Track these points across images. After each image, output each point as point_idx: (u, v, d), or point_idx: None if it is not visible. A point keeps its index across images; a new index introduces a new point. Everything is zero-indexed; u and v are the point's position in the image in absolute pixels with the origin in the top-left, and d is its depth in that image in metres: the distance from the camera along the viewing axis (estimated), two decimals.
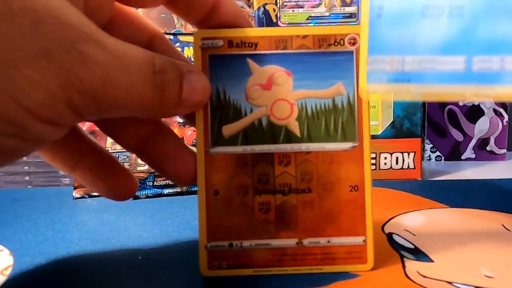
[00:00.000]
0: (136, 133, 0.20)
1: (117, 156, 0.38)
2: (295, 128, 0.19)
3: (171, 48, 0.20)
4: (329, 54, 0.19)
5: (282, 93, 0.19)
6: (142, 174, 0.36)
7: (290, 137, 0.19)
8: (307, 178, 0.19)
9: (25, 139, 0.14)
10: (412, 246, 0.22)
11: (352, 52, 0.19)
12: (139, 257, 0.22)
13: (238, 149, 0.19)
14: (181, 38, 0.42)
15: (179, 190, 0.37)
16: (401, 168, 0.41)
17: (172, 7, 0.19)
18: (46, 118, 0.14)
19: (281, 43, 0.19)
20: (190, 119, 0.20)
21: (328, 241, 0.19)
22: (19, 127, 0.13)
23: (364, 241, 0.19)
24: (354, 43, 0.19)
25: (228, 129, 0.19)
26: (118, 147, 0.35)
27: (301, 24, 0.42)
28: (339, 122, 0.19)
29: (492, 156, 0.51)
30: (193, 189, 0.37)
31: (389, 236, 0.24)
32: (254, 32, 0.19)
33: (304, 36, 0.19)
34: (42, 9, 0.13)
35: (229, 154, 0.19)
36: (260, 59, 0.19)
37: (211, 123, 0.19)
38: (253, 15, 0.44)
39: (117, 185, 0.20)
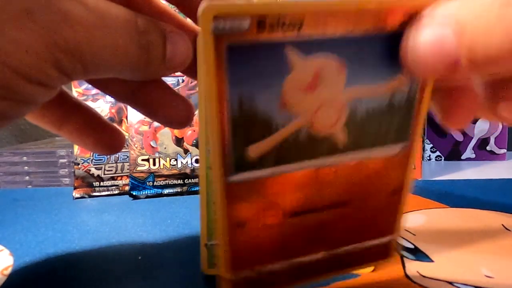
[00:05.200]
0: (126, 83, 0.20)
1: (117, 156, 0.38)
2: (342, 137, 0.14)
3: None
4: (392, 37, 0.13)
5: (331, 94, 0.13)
6: (142, 174, 0.36)
7: (333, 149, 0.14)
8: (346, 190, 0.16)
9: (16, 100, 0.14)
10: (412, 246, 0.22)
11: None
12: (139, 257, 0.22)
13: (267, 172, 0.14)
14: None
15: (179, 190, 0.37)
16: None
17: None
18: (34, 79, 0.14)
19: (342, 21, 0.12)
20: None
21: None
22: (8, 89, 0.13)
23: None
24: None
25: (256, 149, 0.14)
26: None
27: None
28: (393, 122, 0.15)
29: (492, 156, 0.51)
30: (193, 189, 0.37)
31: None
32: (298, 5, 0.12)
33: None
34: None
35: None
36: (306, 47, 0.12)
37: (232, 142, 0.13)
38: None
39: (104, 139, 0.21)
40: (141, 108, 0.21)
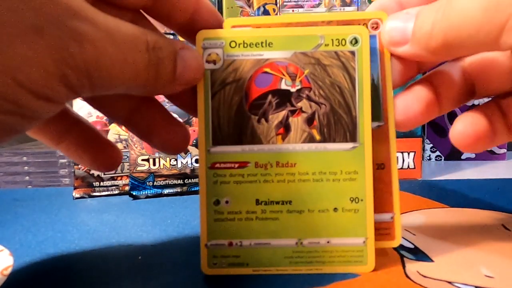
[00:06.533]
0: (124, 105, 0.20)
1: None
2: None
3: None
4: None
5: None
6: (142, 174, 0.36)
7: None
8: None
9: (21, 115, 0.14)
10: (412, 246, 0.22)
11: (375, 36, 0.19)
12: (139, 257, 0.22)
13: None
14: (181, 38, 0.42)
15: (179, 190, 0.37)
16: (401, 168, 0.41)
17: (153, 11, 0.19)
18: (42, 94, 0.14)
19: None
20: (182, 101, 0.21)
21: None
22: (16, 104, 0.13)
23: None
24: (376, 28, 0.19)
25: None
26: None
27: None
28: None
29: (492, 156, 0.51)
30: (193, 189, 0.37)
31: None
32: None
33: (329, 22, 0.19)
34: None
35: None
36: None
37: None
38: (253, 15, 0.44)
39: (101, 156, 0.21)
40: (136, 131, 0.21)
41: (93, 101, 0.20)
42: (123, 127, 0.36)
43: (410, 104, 0.19)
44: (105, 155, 0.21)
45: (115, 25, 0.15)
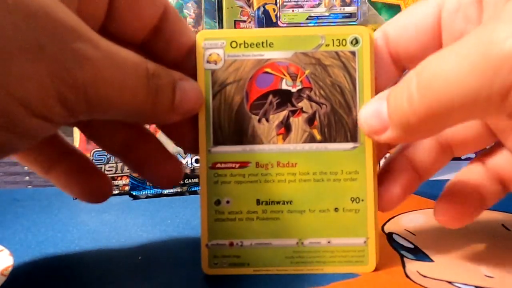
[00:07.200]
0: (118, 136, 0.20)
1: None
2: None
3: (182, 23, 0.20)
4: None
5: None
6: None
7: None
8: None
9: (15, 133, 0.14)
10: (412, 246, 0.22)
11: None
12: (139, 257, 0.22)
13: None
14: None
15: (179, 190, 0.37)
16: None
17: (150, 47, 0.19)
18: (38, 112, 0.14)
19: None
20: (170, 131, 0.21)
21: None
22: (11, 119, 0.13)
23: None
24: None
25: None
26: None
27: (301, 24, 0.42)
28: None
29: None
30: (193, 189, 0.37)
31: (389, 235, 0.24)
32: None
33: None
34: (36, 6, 0.13)
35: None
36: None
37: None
38: (253, 15, 0.44)
39: (91, 187, 0.21)
40: (129, 164, 0.21)
41: (88, 130, 0.20)
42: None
43: (394, 193, 0.19)
44: (96, 186, 0.21)
45: (116, 50, 0.15)
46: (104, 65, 0.14)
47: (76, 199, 0.21)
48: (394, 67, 0.19)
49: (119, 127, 0.20)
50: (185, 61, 0.19)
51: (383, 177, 0.19)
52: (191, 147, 0.20)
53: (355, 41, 0.19)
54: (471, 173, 0.20)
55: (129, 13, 0.18)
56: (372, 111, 0.17)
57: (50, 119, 0.14)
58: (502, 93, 0.13)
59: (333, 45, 0.19)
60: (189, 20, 0.43)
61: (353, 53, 0.19)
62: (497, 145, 0.19)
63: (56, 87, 0.13)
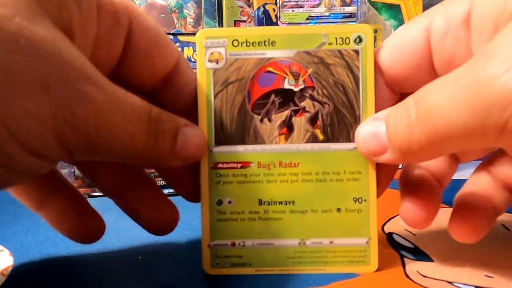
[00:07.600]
0: (114, 177, 0.20)
1: None
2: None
3: (193, 73, 0.20)
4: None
5: None
6: None
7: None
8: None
9: (9, 168, 0.14)
10: (412, 246, 0.22)
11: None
12: (139, 257, 0.22)
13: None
14: (181, 38, 0.42)
15: None
16: (401, 168, 0.41)
17: (159, 96, 0.19)
18: (34, 149, 0.13)
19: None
20: (171, 177, 0.21)
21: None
22: (6, 155, 0.13)
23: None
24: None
25: None
26: None
27: (301, 24, 0.42)
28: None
29: None
30: None
31: (389, 235, 0.24)
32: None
33: None
34: (48, 46, 0.13)
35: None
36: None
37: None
38: (253, 15, 0.44)
39: (82, 227, 0.20)
40: (125, 207, 0.21)
41: (84, 168, 0.20)
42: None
43: (415, 214, 0.19)
44: (88, 226, 0.20)
45: (121, 94, 0.15)
46: (108, 108, 0.14)
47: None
48: (389, 89, 0.19)
49: (116, 166, 0.20)
50: (194, 109, 0.19)
51: (412, 193, 0.19)
52: (191, 194, 0.20)
53: (359, 40, 0.19)
54: (478, 184, 0.19)
55: (141, 63, 0.18)
56: (371, 132, 0.17)
57: (46, 157, 0.14)
58: (496, 130, 0.13)
59: (336, 43, 0.19)
60: (189, 20, 0.43)
61: (356, 52, 0.19)
62: (500, 152, 0.19)
63: (56, 125, 0.13)
